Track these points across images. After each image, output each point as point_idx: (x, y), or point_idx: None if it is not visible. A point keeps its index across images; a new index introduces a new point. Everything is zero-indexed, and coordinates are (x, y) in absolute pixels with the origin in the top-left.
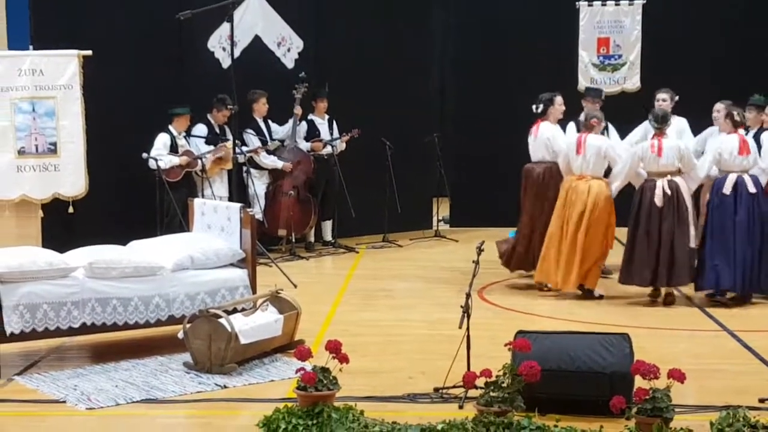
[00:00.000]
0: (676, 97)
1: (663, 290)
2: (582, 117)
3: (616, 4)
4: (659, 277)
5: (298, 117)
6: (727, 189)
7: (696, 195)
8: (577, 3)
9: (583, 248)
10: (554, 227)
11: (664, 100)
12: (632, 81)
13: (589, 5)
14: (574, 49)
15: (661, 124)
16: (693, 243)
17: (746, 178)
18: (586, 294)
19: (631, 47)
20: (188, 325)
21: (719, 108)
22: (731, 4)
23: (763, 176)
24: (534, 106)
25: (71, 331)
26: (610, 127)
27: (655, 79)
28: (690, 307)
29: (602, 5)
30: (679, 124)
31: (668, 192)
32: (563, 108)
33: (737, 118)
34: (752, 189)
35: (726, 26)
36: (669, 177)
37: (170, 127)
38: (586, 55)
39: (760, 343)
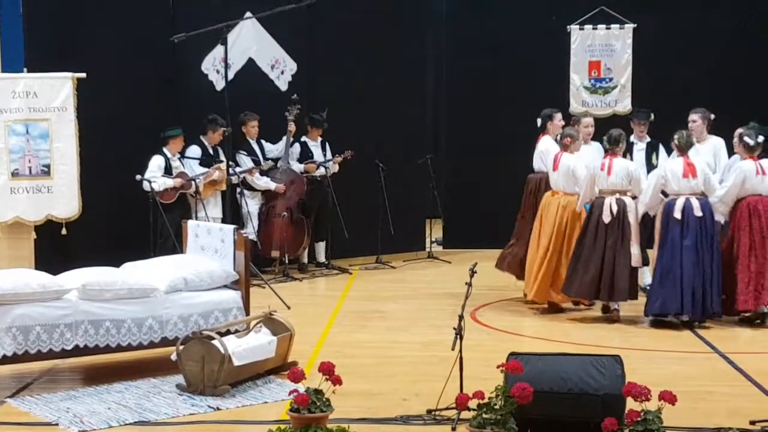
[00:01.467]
0: (712, 116)
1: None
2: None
3: (607, 28)
4: (601, 291)
5: (291, 134)
6: (677, 212)
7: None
8: (568, 26)
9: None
10: (532, 238)
11: (694, 121)
12: (623, 104)
13: (580, 29)
14: (566, 72)
15: (613, 145)
16: (635, 262)
17: (693, 201)
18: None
19: (621, 70)
20: (181, 347)
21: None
22: (721, 27)
23: (720, 206)
24: (538, 120)
25: (64, 353)
26: (661, 148)
27: (646, 102)
28: (681, 329)
29: (593, 29)
30: (715, 144)
31: (614, 209)
32: (562, 123)
33: (677, 141)
34: (698, 213)
35: (716, 49)
36: (618, 195)
37: (164, 149)
38: (577, 78)
39: (751, 365)
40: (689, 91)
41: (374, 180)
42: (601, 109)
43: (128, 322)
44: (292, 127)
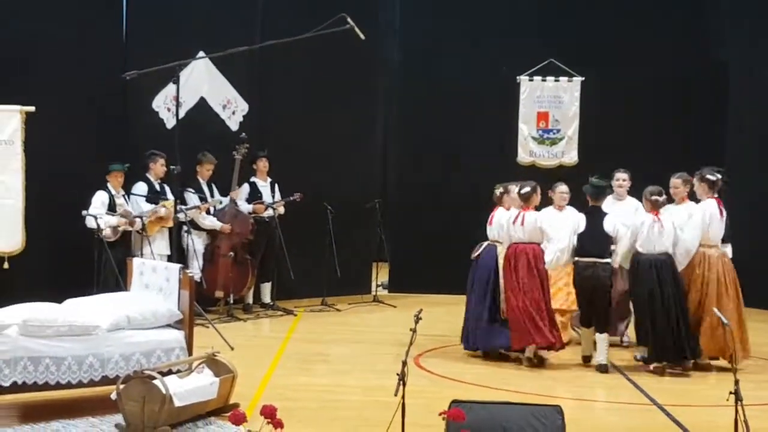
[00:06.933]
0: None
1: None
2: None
3: (556, 80)
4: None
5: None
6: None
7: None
8: (517, 77)
9: None
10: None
11: (624, 180)
12: (570, 155)
13: (529, 80)
14: (515, 122)
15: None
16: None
17: (483, 245)
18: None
19: (569, 122)
20: (122, 386)
21: (676, 184)
22: (664, 81)
23: (498, 248)
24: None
25: (1, 390)
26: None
27: (592, 154)
28: (621, 379)
29: (542, 80)
30: (634, 204)
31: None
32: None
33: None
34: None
35: (660, 102)
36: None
37: (108, 185)
38: (526, 129)
39: (687, 418)
40: (634, 144)
41: (322, 222)
42: (548, 160)
43: (68, 359)
44: (235, 194)
